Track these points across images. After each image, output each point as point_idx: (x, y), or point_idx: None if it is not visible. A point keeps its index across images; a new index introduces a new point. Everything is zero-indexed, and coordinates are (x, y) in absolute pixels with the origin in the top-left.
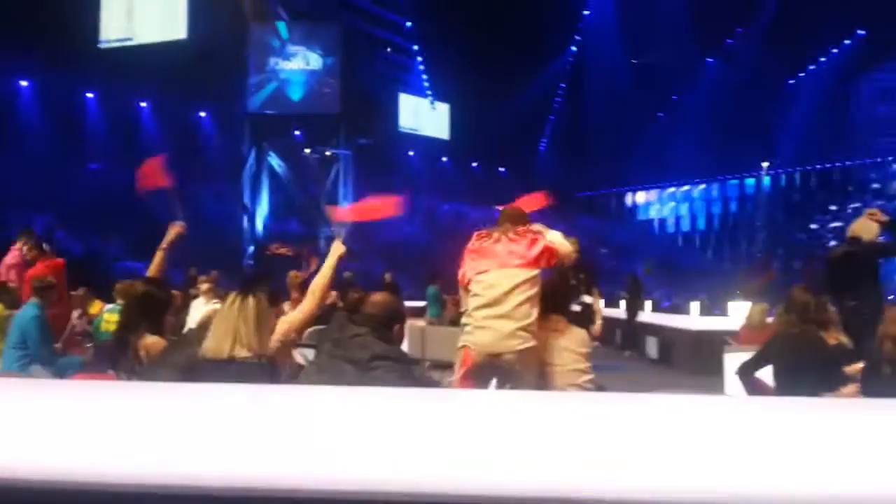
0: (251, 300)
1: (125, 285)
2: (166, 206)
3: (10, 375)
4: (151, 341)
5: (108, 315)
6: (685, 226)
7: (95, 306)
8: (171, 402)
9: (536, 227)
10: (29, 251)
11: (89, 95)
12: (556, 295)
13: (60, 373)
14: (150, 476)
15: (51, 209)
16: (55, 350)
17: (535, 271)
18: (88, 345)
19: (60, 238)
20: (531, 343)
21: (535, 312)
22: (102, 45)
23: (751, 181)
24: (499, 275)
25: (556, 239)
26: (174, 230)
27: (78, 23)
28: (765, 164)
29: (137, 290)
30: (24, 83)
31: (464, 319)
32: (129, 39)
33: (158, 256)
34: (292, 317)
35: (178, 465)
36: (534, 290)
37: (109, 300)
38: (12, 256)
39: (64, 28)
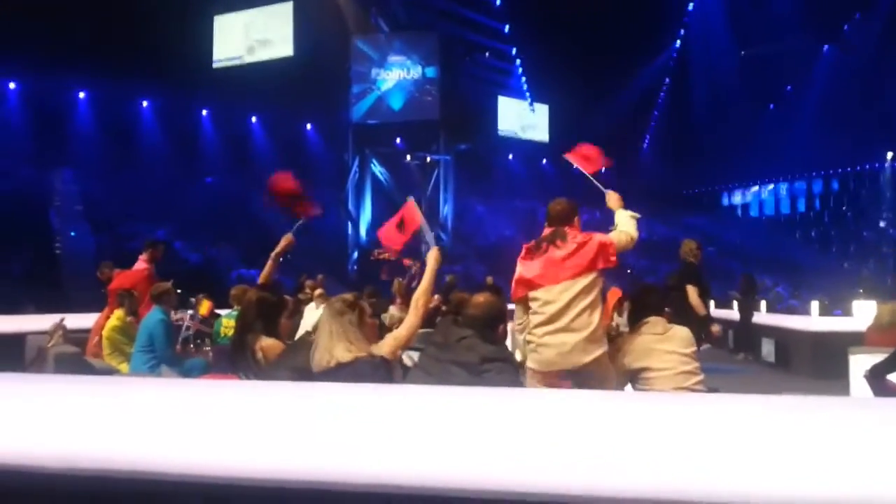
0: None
1: (240, 291)
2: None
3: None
4: (268, 343)
5: (227, 320)
6: (801, 222)
7: (204, 306)
8: (290, 401)
9: (611, 196)
10: (102, 273)
11: (204, 113)
12: (652, 295)
13: (186, 374)
14: (274, 470)
15: (171, 221)
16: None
17: (591, 276)
18: (207, 348)
19: (179, 248)
20: (599, 352)
21: (596, 318)
22: (216, 66)
23: (874, 173)
24: (554, 290)
25: (623, 219)
26: (286, 240)
27: (193, 46)
28: (889, 155)
29: (252, 295)
30: (145, 104)
31: (528, 337)
32: (240, 58)
33: (269, 264)
34: (398, 333)
35: (297, 460)
36: (592, 296)
37: (226, 306)
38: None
39: (180, 51)
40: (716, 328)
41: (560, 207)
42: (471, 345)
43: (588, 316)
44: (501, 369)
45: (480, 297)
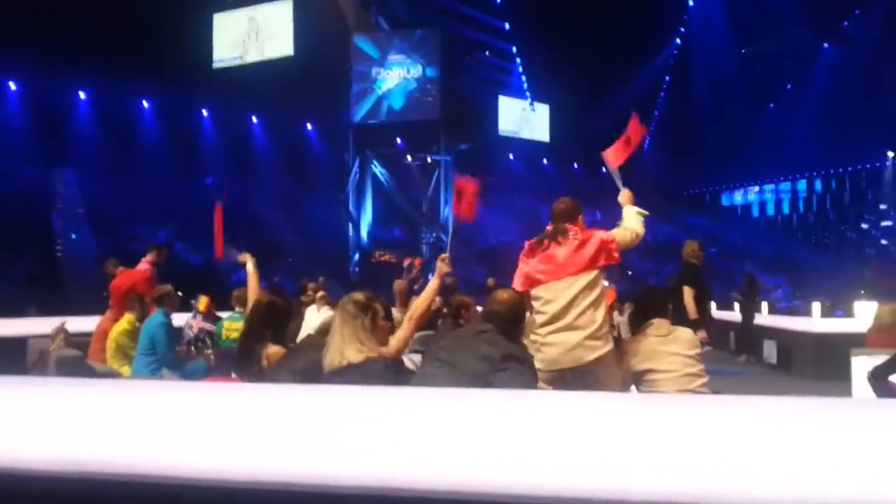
0: (359, 314)
1: (242, 293)
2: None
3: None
4: (273, 350)
5: (228, 323)
6: (803, 222)
7: (202, 303)
8: (292, 403)
9: (624, 193)
10: (107, 269)
11: (204, 113)
12: (656, 297)
13: (187, 377)
14: (277, 473)
15: (171, 222)
16: (179, 353)
17: (593, 273)
18: (208, 351)
19: (180, 249)
20: (604, 350)
21: (600, 316)
22: (216, 65)
23: (875, 172)
24: (556, 287)
25: (629, 214)
26: (245, 258)
27: (193, 45)
28: (891, 154)
29: (262, 300)
30: (145, 104)
31: (532, 337)
32: (240, 59)
33: (252, 277)
34: (388, 343)
35: (299, 463)
36: (595, 293)
37: (227, 308)
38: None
39: (180, 51)
40: (701, 335)
41: (564, 206)
42: (493, 340)
43: (592, 313)
44: (519, 371)
45: (504, 294)
